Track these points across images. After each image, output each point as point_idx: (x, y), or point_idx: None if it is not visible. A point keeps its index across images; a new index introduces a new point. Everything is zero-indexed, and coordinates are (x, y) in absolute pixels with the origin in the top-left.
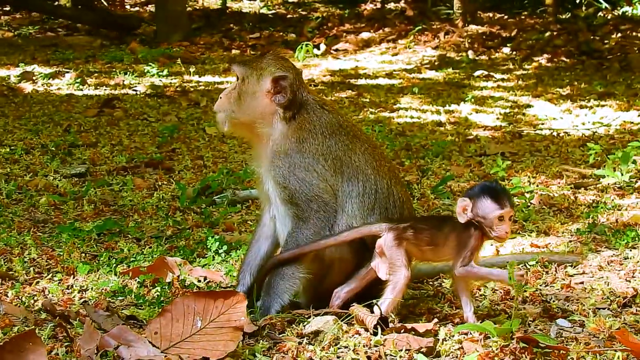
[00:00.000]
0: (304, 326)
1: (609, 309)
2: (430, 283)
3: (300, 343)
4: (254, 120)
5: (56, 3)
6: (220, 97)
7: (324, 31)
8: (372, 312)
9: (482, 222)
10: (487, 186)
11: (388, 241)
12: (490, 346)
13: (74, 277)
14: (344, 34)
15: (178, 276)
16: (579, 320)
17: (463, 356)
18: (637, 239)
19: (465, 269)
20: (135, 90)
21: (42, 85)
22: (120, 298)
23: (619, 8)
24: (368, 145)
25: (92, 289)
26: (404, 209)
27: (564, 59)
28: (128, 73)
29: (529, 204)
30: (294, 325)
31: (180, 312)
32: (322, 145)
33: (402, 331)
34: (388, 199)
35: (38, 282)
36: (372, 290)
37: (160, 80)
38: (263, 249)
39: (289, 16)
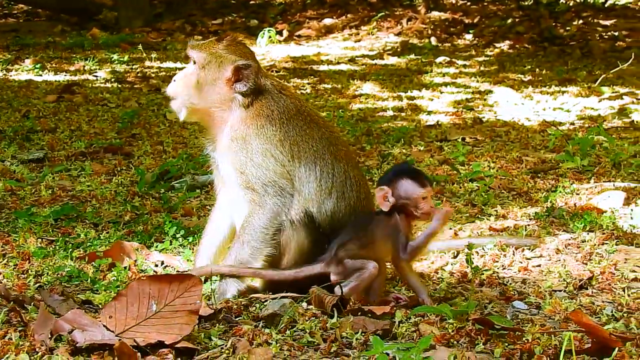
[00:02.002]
0: (261, 309)
1: (565, 291)
2: (388, 266)
3: (256, 326)
4: (212, 106)
5: None
6: (175, 81)
7: (286, 17)
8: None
9: (407, 203)
10: (403, 169)
11: (334, 273)
12: (446, 328)
13: (29, 262)
14: (307, 20)
15: (135, 261)
16: (535, 302)
17: (419, 338)
18: (594, 222)
19: (408, 251)
20: (96, 76)
21: (1, 70)
22: (75, 283)
23: None
24: (325, 129)
25: (47, 273)
26: (360, 192)
27: (525, 45)
28: (89, 59)
29: (488, 189)
30: (250, 309)
31: (135, 296)
32: (280, 130)
33: (359, 313)
34: (345, 182)
35: None
36: None
37: (121, 66)
38: (219, 233)
39: (251, 2)
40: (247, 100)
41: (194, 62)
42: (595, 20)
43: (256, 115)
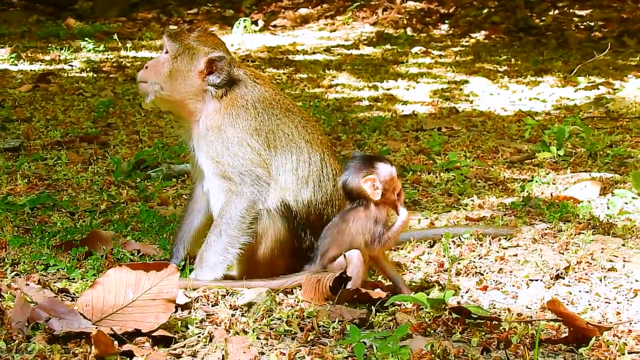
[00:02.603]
0: (237, 298)
1: (542, 280)
2: None
3: (233, 315)
4: (184, 98)
5: None
6: (147, 67)
7: (262, 7)
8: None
9: (388, 187)
10: (368, 156)
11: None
12: (423, 317)
13: (5, 251)
14: (282, 10)
15: (111, 250)
16: (512, 292)
17: (396, 327)
18: (570, 212)
19: (384, 238)
20: (71, 66)
21: None
22: (52, 271)
23: None
24: (301, 118)
25: (24, 262)
26: (336, 181)
27: (501, 35)
28: (64, 48)
29: (464, 178)
30: (227, 298)
31: (112, 284)
32: (255, 119)
33: (355, 296)
34: (321, 170)
35: None
36: None
37: (97, 56)
38: (196, 222)
39: None
40: (220, 92)
41: (166, 52)
42: (571, 11)
43: (230, 106)
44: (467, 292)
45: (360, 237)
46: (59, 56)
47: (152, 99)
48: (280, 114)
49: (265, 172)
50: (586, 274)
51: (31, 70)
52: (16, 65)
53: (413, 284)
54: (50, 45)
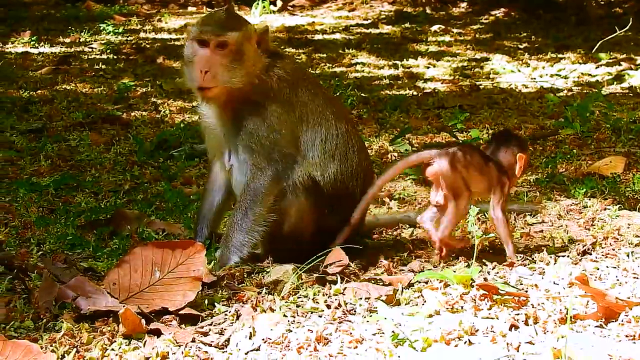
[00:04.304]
0: (263, 276)
1: (568, 256)
2: (390, 233)
3: (259, 293)
4: (248, 79)
5: None
6: (206, 72)
7: None
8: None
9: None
10: (520, 137)
11: (444, 167)
12: (450, 294)
13: (31, 231)
14: None
15: (136, 229)
16: (539, 268)
17: (423, 304)
18: (595, 188)
19: (497, 213)
20: (91, 48)
21: None
22: (78, 251)
23: None
24: (325, 91)
25: (49, 242)
26: (362, 156)
27: (520, 12)
28: (84, 31)
29: None
30: (253, 276)
31: (138, 263)
32: (293, 93)
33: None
34: (347, 144)
35: None
36: None
37: (116, 38)
38: (217, 200)
39: None
40: (268, 64)
41: (219, 45)
42: None
43: (272, 78)
44: (493, 268)
45: (490, 181)
46: (79, 39)
47: (217, 93)
48: (311, 86)
49: (295, 150)
50: (613, 250)
51: (51, 53)
52: (37, 48)
53: (438, 261)
54: (70, 28)
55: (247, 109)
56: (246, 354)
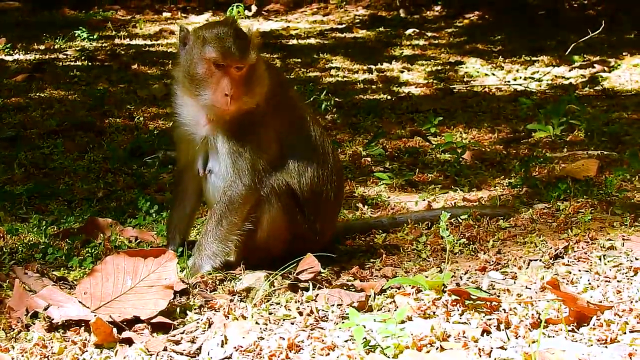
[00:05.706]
0: (236, 283)
1: (541, 260)
2: (363, 239)
3: (231, 300)
4: (262, 97)
5: None
6: (231, 96)
7: None
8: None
9: None
10: None
11: None
12: (422, 299)
13: (3, 240)
14: None
15: (109, 237)
16: (511, 272)
17: (395, 310)
18: (568, 191)
19: None
20: (66, 55)
21: None
22: (50, 260)
23: None
24: (300, 98)
25: (21, 251)
26: (335, 159)
27: (494, 15)
28: (58, 38)
29: (461, 159)
30: (225, 283)
31: (110, 272)
32: (284, 102)
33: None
34: (322, 149)
35: None
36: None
37: (91, 44)
38: (188, 207)
39: None
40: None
41: (237, 67)
42: None
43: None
44: (465, 273)
45: None
46: (54, 45)
47: (234, 112)
48: (293, 93)
49: (276, 160)
50: (585, 253)
51: (26, 60)
52: (11, 55)
53: (411, 266)
54: (44, 34)
55: (243, 117)
56: None
